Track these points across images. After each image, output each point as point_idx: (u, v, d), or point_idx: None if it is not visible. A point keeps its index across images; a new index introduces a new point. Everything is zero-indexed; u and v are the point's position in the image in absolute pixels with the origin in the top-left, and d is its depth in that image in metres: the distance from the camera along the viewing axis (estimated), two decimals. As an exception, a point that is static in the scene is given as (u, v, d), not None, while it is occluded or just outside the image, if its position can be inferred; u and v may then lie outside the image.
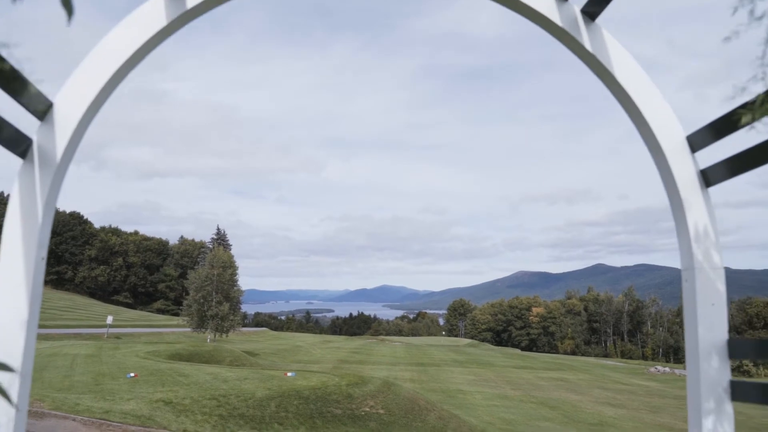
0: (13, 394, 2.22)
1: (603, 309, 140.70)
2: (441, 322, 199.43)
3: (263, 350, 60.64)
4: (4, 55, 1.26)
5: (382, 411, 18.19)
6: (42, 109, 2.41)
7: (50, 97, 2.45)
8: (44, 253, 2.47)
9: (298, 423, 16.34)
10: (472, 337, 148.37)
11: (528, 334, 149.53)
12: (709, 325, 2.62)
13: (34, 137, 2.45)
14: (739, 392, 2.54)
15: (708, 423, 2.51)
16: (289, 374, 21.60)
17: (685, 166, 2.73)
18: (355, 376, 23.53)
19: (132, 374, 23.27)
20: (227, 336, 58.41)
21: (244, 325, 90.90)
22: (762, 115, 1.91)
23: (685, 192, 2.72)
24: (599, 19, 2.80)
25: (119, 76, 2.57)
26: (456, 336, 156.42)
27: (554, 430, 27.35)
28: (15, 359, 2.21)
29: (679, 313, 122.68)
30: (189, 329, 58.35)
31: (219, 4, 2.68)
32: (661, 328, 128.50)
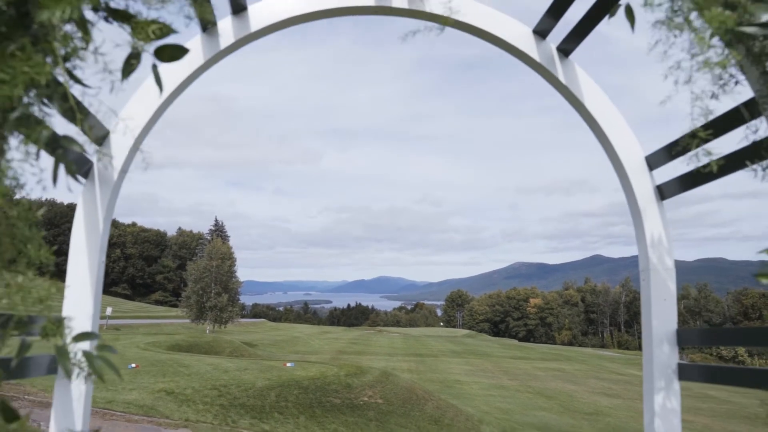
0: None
1: (600, 300, 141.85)
2: (439, 313, 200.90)
3: (262, 341, 61.29)
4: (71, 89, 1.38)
5: (380, 401, 18.77)
6: (101, 136, 2.88)
7: (106, 125, 2.92)
8: (104, 257, 2.97)
9: (297, 412, 16.92)
10: (469, 328, 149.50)
11: (525, 325, 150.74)
12: (661, 317, 3.12)
13: (94, 160, 2.93)
14: (685, 373, 3.06)
15: (659, 398, 3.03)
16: (288, 365, 22.18)
17: (644, 182, 3.22)
18: (354, 366, 24.13)
19: (133, 365, 23.82)
20: (226, 327, 59.01)
21: (243, 317, 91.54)
22: (698, 145, 2.41)
23: (643, 204, 3.21)
24: (572, 56, 3.27)
25: (164, 106, 3.04)
26: (454, 327, 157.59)
27: (550, 419, 28.04)
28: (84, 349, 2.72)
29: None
30: (188, 320, 58.93)
31: (246, 43, 3.15)
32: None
